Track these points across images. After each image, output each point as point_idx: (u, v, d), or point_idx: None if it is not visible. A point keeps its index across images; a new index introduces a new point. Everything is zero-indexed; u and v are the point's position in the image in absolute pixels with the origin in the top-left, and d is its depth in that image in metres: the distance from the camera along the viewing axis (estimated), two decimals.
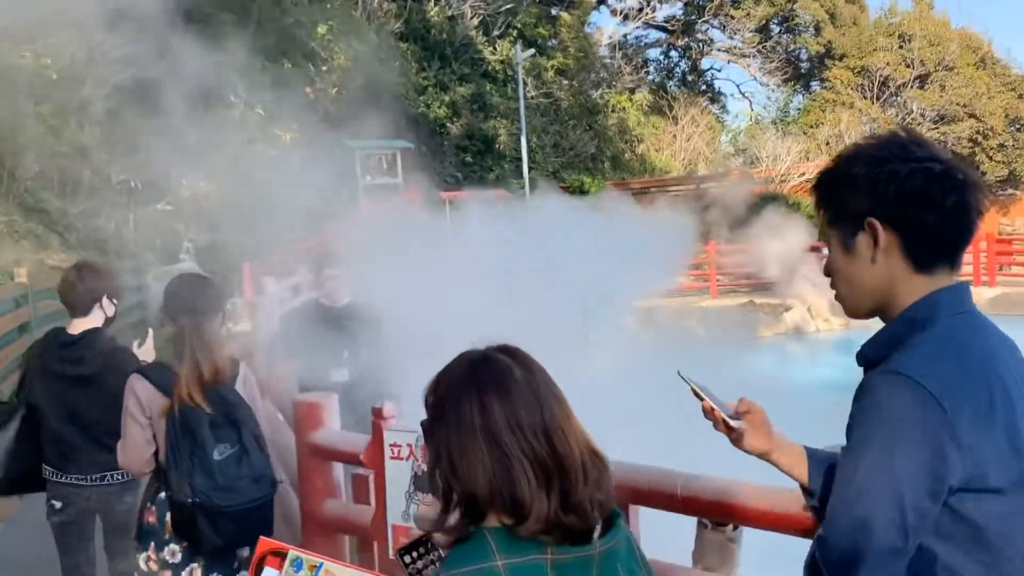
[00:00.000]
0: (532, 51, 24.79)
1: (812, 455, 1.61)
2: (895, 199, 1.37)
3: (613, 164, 28.29)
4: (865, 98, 30.39)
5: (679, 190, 24.49)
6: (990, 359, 1.36)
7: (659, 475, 2.25)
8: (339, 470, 3.33)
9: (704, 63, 36.26)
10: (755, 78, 35.14)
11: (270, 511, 2.90)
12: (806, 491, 1.62)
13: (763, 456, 1.61)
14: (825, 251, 1.54)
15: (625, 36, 32.95)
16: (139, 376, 2.85)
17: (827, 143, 27.45)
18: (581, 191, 22.14)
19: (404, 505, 2.77)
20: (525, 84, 23.68)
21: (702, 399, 1.60)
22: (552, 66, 27.19)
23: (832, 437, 1.57)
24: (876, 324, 1.50)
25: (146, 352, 3.35)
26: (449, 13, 24.81)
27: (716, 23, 34.15)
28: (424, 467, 2.67)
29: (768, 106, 36.09)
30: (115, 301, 3.47)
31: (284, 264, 11.79)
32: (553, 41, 28.22)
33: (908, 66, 29.95)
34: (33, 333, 7.21)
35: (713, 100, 36.43)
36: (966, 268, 19.20)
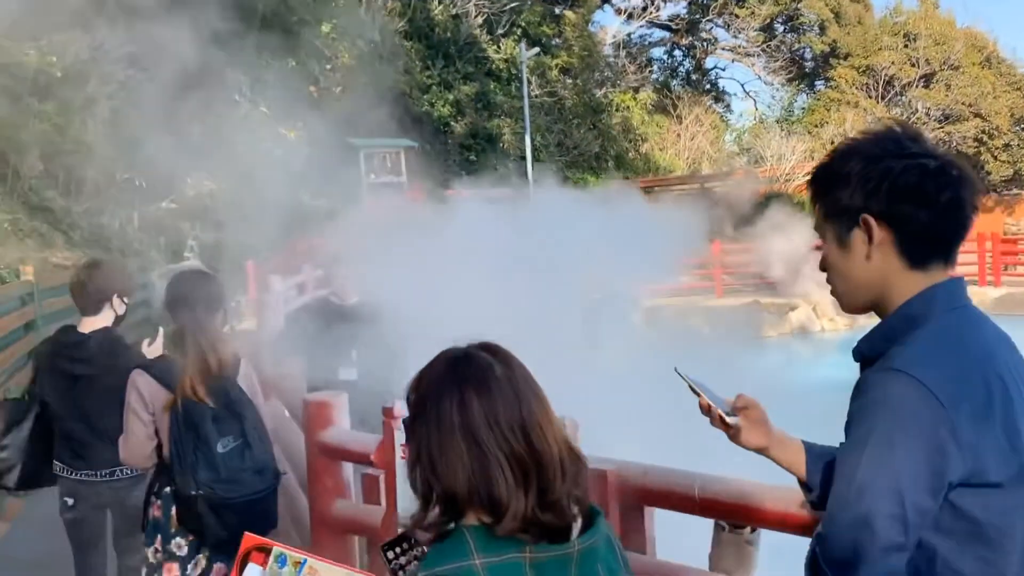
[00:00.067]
0: (536, 50, 24.79)
1: (810, 450, 1.62)
2: (889, 196, 1.37)
3: (617, 163, 28.26)
4: (870, 97, 30.30)
5: (683, 189, 24.47)
6: (987, 354, 1.36)
7: (675, 476, 2.22)
8: (349, 470, 3.31)
9: (708, 62, 36.22)
10: (759, 77, 35.09)
11: (274, 502, 2.93)
12: (804, 486, 1.63)
13: (761, 452, 1.62)
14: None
15: (629, 35, 32.91)
16: (141, 371, 2.87)
17: (832, 142, 27.28)
18: None
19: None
20: (529, 83, 23.66)
21: (699, 396, 1.60)
22: (556, 65, 27.17)
23: (837, 436, 1.56)
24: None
25: (155, 351, 3.33)
26: (453, 11, 24.81)
27: (720, 22, 34.08)
28: None
29: (772, 105, 36.07)
30: (126, 300, 3.49)
31: (288, 262, 11.78)
32: (557, 40, 28.19)
33: (913, 65, 29.85)
34: (39, 331, 7.20)
35: (717, 99, 36.36)
36: (971, 268, 19.16)
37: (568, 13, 28.35)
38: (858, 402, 1.36)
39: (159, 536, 2.88)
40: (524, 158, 21.52)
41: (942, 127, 28.92)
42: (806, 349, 16.82)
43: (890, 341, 1.39)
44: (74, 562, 3.54)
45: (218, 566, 2.88)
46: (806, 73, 34.15)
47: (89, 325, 3.40)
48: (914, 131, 1.44)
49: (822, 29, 31.90)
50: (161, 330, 3.41)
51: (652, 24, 33.54)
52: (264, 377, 4.36)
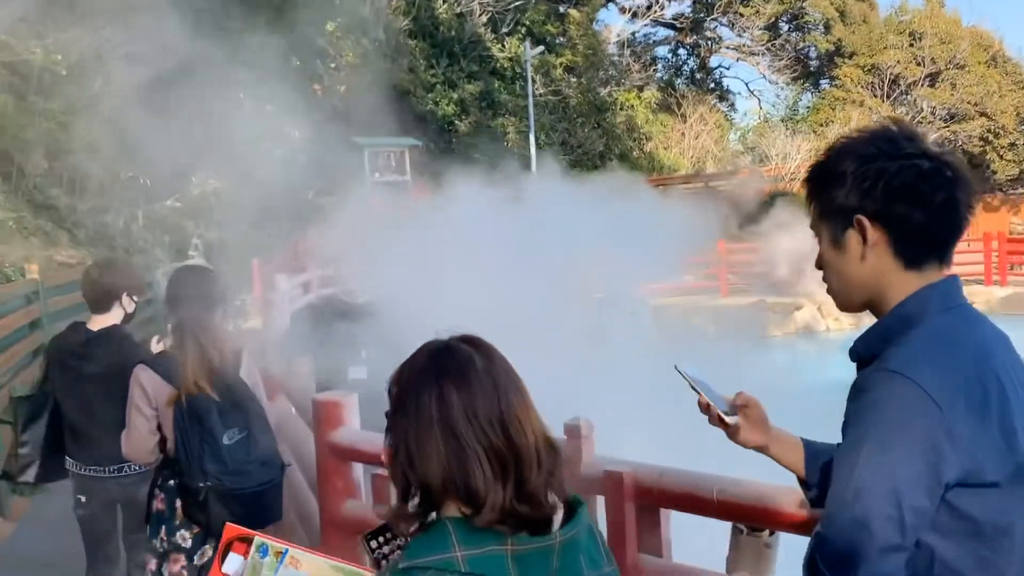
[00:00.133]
0: (541, 48, 24.76)
1: (810, 448, 1.63)
2: (883, 197, 1.37)
3: (621, 162, 28.19)
4: (875, 96, 30.22)
5: (688, 188, 24.42)
6: (983, 353, 1.36)
7: (693, 478, 2.20)
8: (359, 470, 3.29)
9: (713, 61, 36.17)
10: (764, 76, 35.00)
11: (279, 494, 2.97)
12: (804, 484, 1.63)
13: (760, 450, 1.63)
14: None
15: (633, 34, 32.85)
16: (144, 367, 2.91)
17: None
18: None
19: None
20: (533, 81, 23.65)
21: (698, 394, 1.61)
22: (561, 63, 27.13)
23: (840, 435, 1.55)
24: None
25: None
26: (458, 10, 24.77)
27: (725, 21, 34.00)
28: None
29: (777, 104, 36.00)
30: (135, 298, 3.51)
31: (293, 261, 11.78)
32: (562, 38, 28.14)
33: (919, 64, 29.77)
34: (44, 329, 7.18)
35: (722, 98, 36.29)
36: (977, 267, 19.10)
37: (572, 12, 28.32)
38: (854, 403, 1.36)
39: (163, 528, 2.92)
40: (528, 157, 21.48)
41: (948, 126, 28.84)
42: (811, 349, 16.76)
43: (886, 341, 1.39)
44: (86, 558, 3.56)
45: None
46: (811, 72, 34.07)
47: (99, 323, 3.42)
48: (910, 130, 1.43)
49: (827, 28, 31.82)
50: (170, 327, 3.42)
51: (656, 23, 33.49)
52: (271, 376, 4.34)
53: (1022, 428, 1.34)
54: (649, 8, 32.02)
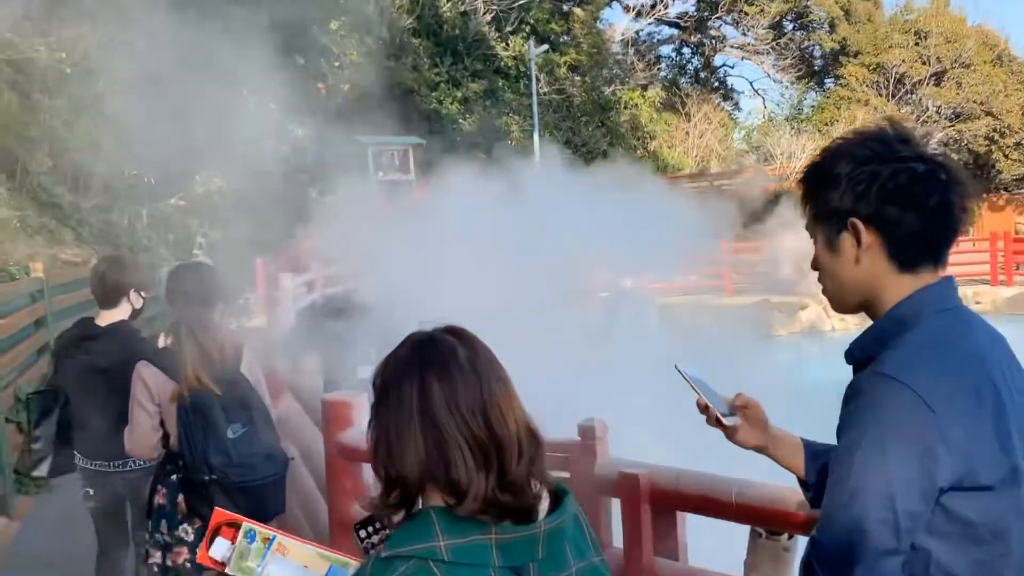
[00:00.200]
0: (545, 47, 24.73)
1: (809, 448, 1.63)
2: (876, 200, 1.37)
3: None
4: (880, 95, 30.13)
5: (693, 187, 24.37)
6: (977, 356, 1.36)
7: (710, 481, 2.16)
8: (368, 470, 3.25)
9: (717, 60, 36.06)
10: (768, 75, 34.89)
11: (283, 487, 3.00)
12: (803, 484, 1.64)
13: (758, 450, 1.64)
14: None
15: (638, 32, 32.78)
16: (146, 363, 2.95)
17: None
18: None
19: None
20: (538, 80, 23.61)
21: (697, 394, 1.61)
22: (565, 62, 27.09)
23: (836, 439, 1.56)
24: None
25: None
26: (462, 9, 24.74)
27: (729, 20, 33.92)
28: None
29: (781, 103, 35.88)
30: (143, 294, 3.55)
31: (297, 260, 11.76)
32: (566, 37, 28.10)
33: (924, 63, 29.68)
34: (49, 328, 7.16)
35: (726, 97, 36.21)
36: (983, 267, 19.05)
37: (577, 10, 28.26)
38: (849, 407, 1.36)
39: (164, 523, 2.95)
40: (532, 155, 21.45)
41: (953, 125, 28.76)
42: (816, 348, 16.73)
43: (880, 344, 1.39)
44: (97, 544, 3.61)
45: None
46: (815, 71, 33.99)
47: (107, 318, 3.48)
48: (905, 132, 1.43)
49: (832, 27, 31.73)
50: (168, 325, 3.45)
51: (661, 21, 33.42)
52: (276, 374, 4.31)
53: (1017, 431, 1.34)
54: (653, 7, 31.95)
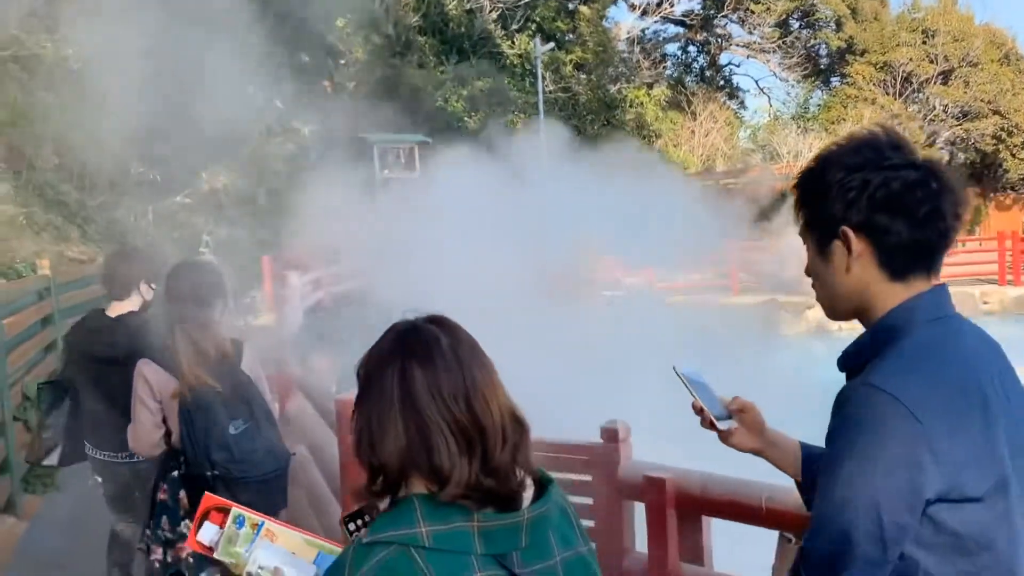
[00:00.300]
0: (551, 45, 24.67)
1: (806, 452, 1.62)
2: (867, 208, 1.36)
3: None
4: (887, 94, 30.05)
5: (699, 185, 24.28)
6: (968, 365, 1.35)
7: (739, 486, 2.11)
8: None
9: (723, 58, 36.00)
10: (774, 73, 34.83)
11: (285, 483, 3.02)
12: (800, 487, 1.63)
13: (755, 453, 1.64)
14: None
15: (643, 31, 32.71)
16: (148, 360, 2.96)
17: None
18: None
19: None
20: (543, 78, 23.55)
21: (693, 397, 1.61)
22: (570, 60, 27.04)
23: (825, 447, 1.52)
24: None
25: None
26: (467, 7, 24.71)
27: (735, 18, 33.85)
28: None
29: (787, 102, 35.80)
30: (153, 286, 3.55)
31: (303, 258, 11.72)
32: (571, 35, 28.06)
33: (931, 62, 29.58)
34: (56, 326, 7.13)
35: (732, 96, 36.13)
36: (991, 267, 18.94)
37: (582, 8, 28.21)
38: (837, 417, 1.35)
39: (166, 519, 2.96)
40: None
41: (960, 124, 28.67)
42: (823, 348, 16.66)
43: (872, 353, 1.38)
44: (112, 517, 3.64)
45: None
46: (821, 70, 33.89)
47: (117, 309, 3.51)
48: (897, 138, 1.41)
49: (838, 25, 31.64)
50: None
51: (666, 20, 33.34)
52: (285, 374, 4.26)
53: (1006, 441, 1.32)
54: (659, 5, 31.89)
